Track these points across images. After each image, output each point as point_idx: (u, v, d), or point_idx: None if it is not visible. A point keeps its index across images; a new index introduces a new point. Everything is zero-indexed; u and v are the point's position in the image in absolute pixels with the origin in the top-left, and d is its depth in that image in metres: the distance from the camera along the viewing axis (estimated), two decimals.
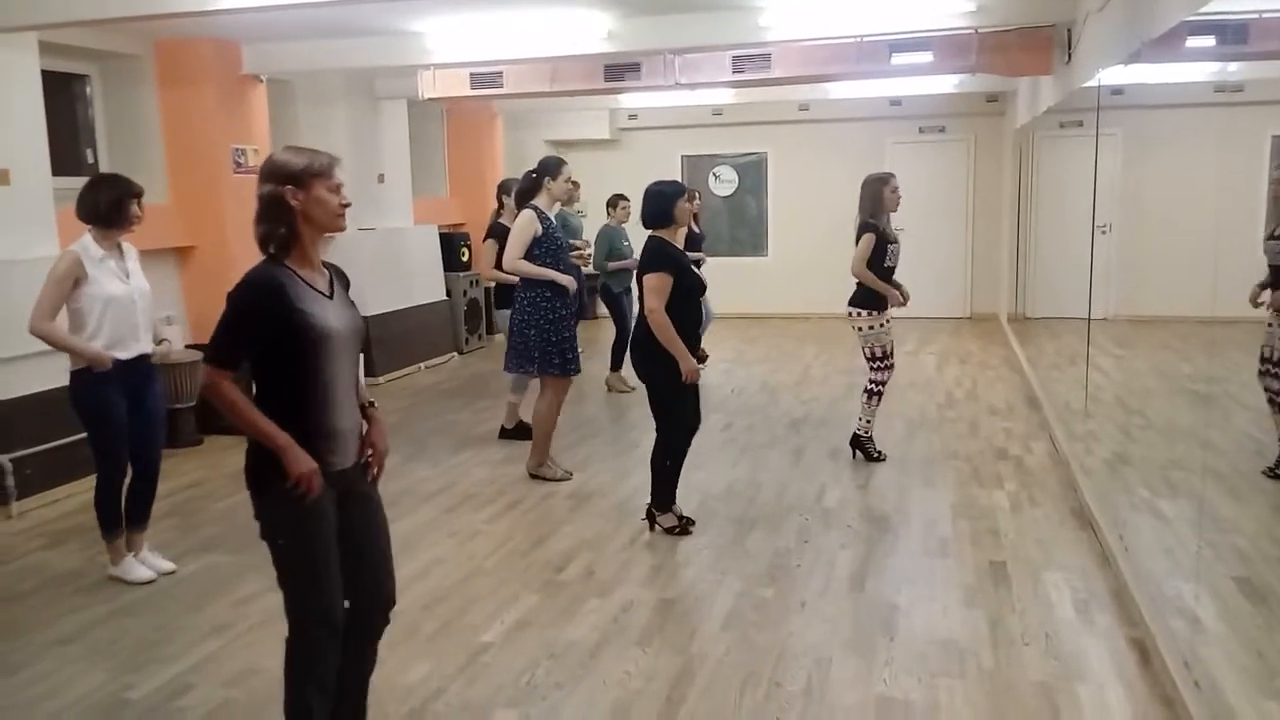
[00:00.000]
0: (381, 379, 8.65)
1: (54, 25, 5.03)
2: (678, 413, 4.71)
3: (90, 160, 6.81)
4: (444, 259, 9.90)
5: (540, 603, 4.04)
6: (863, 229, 5.74)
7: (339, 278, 2.73)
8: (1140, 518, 4.54)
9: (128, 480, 4.34)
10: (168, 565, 4.44)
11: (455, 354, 9.97)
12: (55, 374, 5.35)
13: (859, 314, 5.78)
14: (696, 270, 4.73)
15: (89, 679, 3.50)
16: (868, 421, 6.01)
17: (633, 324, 5.25)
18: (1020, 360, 8.82)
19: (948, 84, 9.37)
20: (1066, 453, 5.79)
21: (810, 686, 3.30)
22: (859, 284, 5.77)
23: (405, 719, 3.18)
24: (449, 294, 9.88)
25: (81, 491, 5.60)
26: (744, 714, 3.14)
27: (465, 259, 10.23)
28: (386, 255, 8.92)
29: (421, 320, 9.36)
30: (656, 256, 4.59)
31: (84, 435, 4.30)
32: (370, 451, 2.75)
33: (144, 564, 4.39)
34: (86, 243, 4.10)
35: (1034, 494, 5.28)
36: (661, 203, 4.65)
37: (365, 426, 2.77)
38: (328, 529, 2.62)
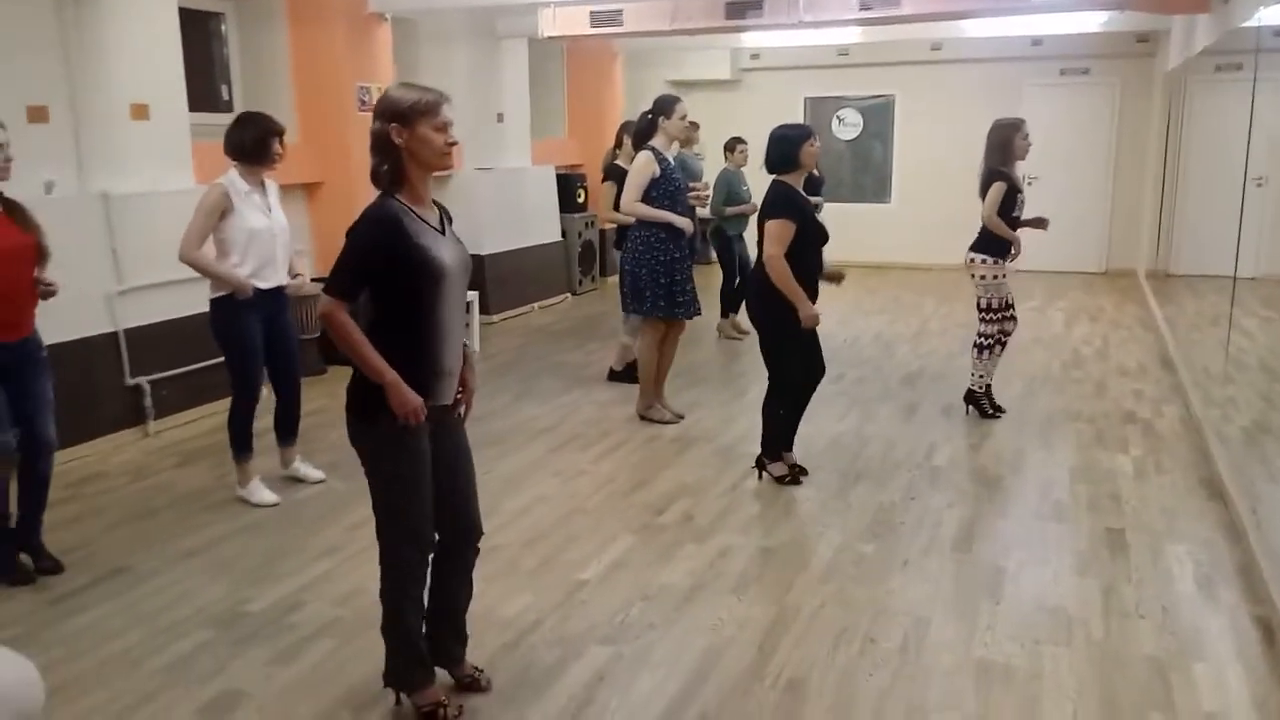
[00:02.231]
0: (495, 318, 8.80)
1: None
2: (789, 361, 4.63)
3: (225, 97, 7.06)
4: (560, 200, 9.94)
5: (638, 544, 4.07)
6: (991, 176, 5.49)
7: (446, 215, 2.76)
8: (1278, 491, 4.25)
9: (273, 405, 4.59)
10: (317, 474, 4.75)
11: (569, 295, 10.05)
12: (192, 301, 5.64)
13: (981, 260, 5.56)
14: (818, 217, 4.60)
15: (210, 591, 3.71)
16: (980, 376, 5.80)
17: (749, 269, 5.17)
18: (1157, 319, 8.33)
19: (1094, 22, 8.77)
20: (1201, 418, 5.45)
21: (906, 645, 3.23)
22: (982, 231, 5.54)
23: (502, 649, 3.26)
24: (564, 235, 9.93)
25: (213, 414, 5.92)
26: (836, 669, 3.10)
27: (581, 200, 10.25)
28: (503, 195, 9.00)
29: (536, 260, 9.45)
30: (781, 202, 4.49)
31: (217, 360, 4.53)
32: (461, 390, 2.81)
33: (296, 474, 4.72)
34: (233, 177, 4.31)
35: (1161, 460, 5.01)
36: (786, 147, 4.53)
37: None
38: (424, 459, 2.70)
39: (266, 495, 4.55)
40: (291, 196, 6.94)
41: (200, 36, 6.94)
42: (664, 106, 5.56)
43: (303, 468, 4.76)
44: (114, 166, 5.44)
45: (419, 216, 2.60)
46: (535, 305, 9.45)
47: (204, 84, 6.89)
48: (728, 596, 3.59)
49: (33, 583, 3.78)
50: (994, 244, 5.54)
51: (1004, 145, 5.51)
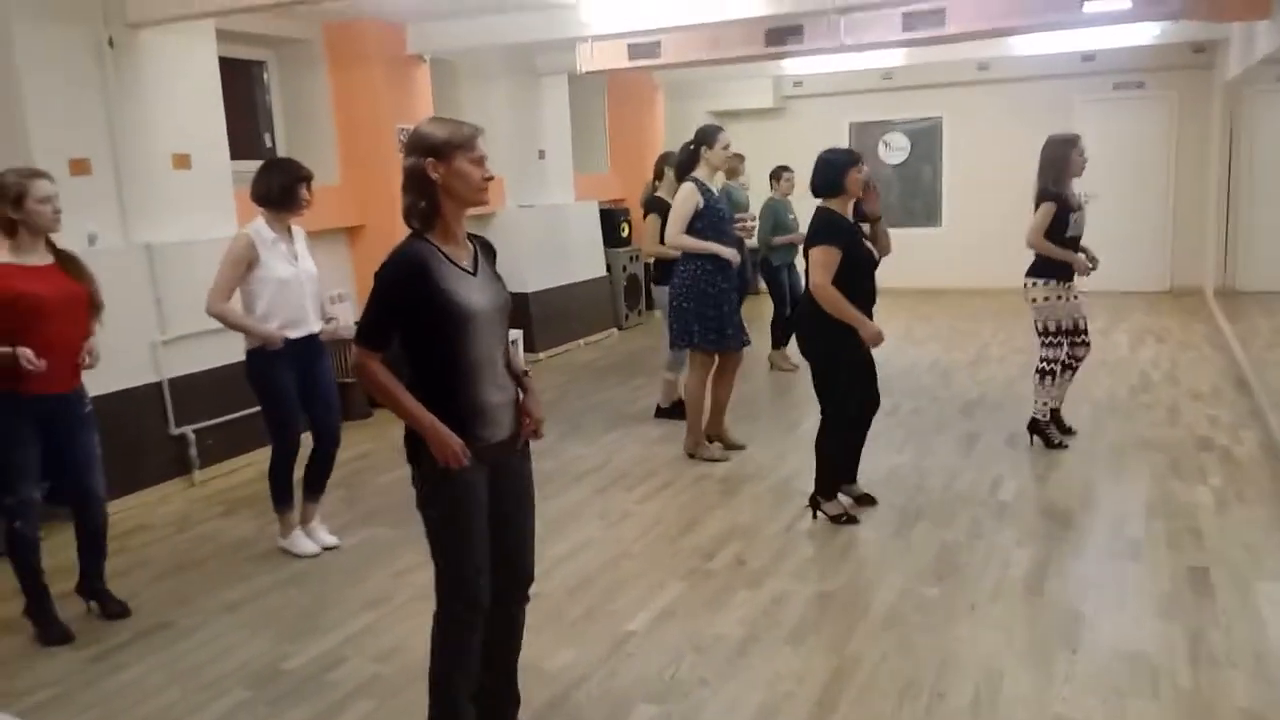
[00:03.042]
0: (541, 355, 8.72)
1: (226, 11, 5.21)
2: (843, 393, 4.45)
3: (268, 144, 7.10)
4: (604, 235, 9.87)
5: (687, 591, 3.89)
6: (1041, 197, 5.28)
7: (484, 251, 2.67)
8: None
9: (308, 452, 4.49)
10: (331, 540, 4.56)
11: (615, 330, 9.95)
12: (234, 350, 5.59)
13: (1034, 284, 5.34)
14: (868, 242, 4.43)
15: (251, 646, 3.62)
16: (1044, 404, 5.55)
17: (800, 299, 5.02)
18: (1227, 338, 7.97)
19: (1147, 34, 8.49)
20: None
21: (978, 700, 3.01)
22: (1039, 254, 5.33)
23: (547, 706, 3.11)
24: (609, 270, 9.85)
25: (257, 462, 5.87)
26: None
27: (625, 234, 10.17)
28: (546, 232, 8.95)
29: (581, 296, 9.37)
30: (824, 228, 4.34)
31: (260, 409, 4.47)
32: (526, 420, 2.71)
33: (310, 537, 4.53)
34: (259, 226, 4.23)
35: (1243, 491, 4.71)
36: (830, 172, 4.39)
37: (521, 395, 2.72)
38: (477, 504, 2.59)
39: (308, 545, 4.46)
40: (333, 240, 6.95)
41: (243, 85, 7.02)
42: (706, 137, 5.46)
43: (317, 530, 4.55)
44: (157, 216, 5.46)
45: (448, 257, 2.50)
46: (581, 341, 9.35)
47: (247, 131, 6.95)
48: (783, 647, 3.40)
49: (72, 641, 3.72)
50: (1050, 266, 5.32)
51: (1058, 163, 5.30)
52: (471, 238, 2.64)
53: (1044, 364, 5.45)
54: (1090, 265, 5.31)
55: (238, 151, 6.42)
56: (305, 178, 4.22)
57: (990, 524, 4.45)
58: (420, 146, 2.48)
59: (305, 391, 4.35)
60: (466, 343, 2.49)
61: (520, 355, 2.75)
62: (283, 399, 4.28)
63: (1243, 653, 3.21)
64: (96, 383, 5.02)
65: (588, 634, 3.57)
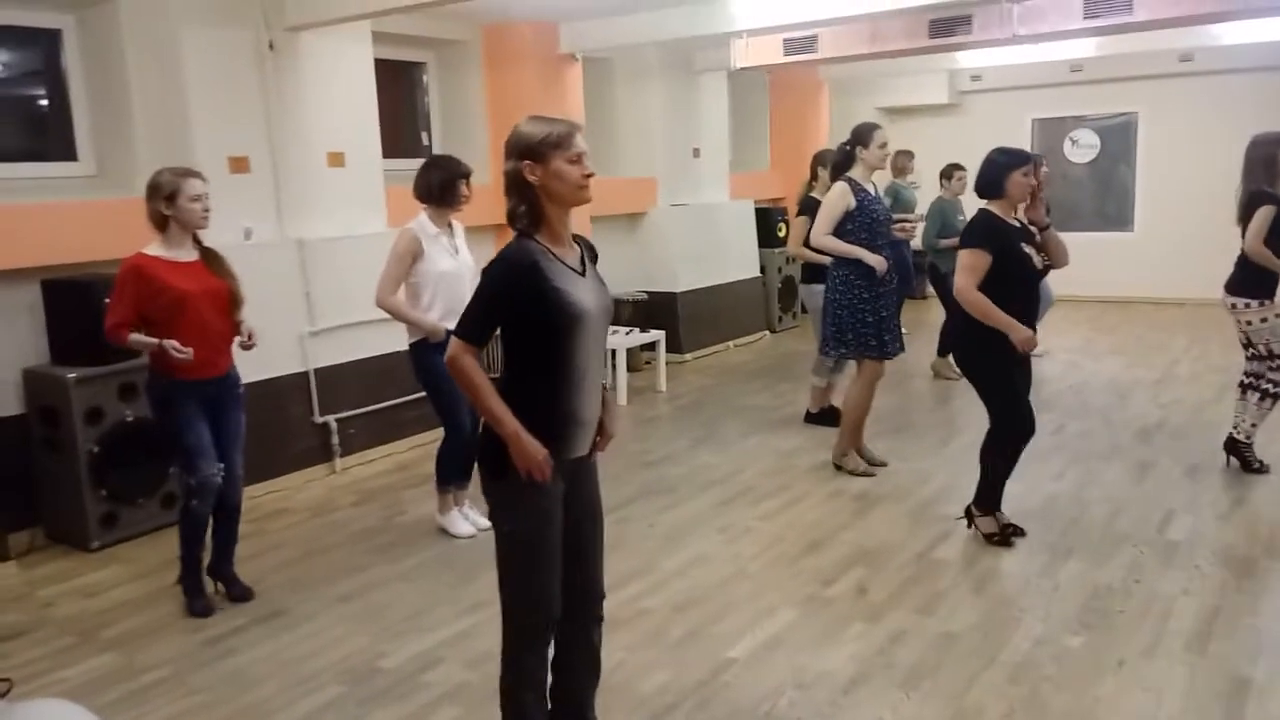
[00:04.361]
0: (688, 356, 8.56)
1: (378, 13, 5.32)
2: (1010, 399, 4.08)
3: (425, 143, 7.27)
4: (760, 234, 9.61)
5: (799, 619, 3.64)
6: (1256, 199, 4.70)
7: (589, 252, 2.57)
8: None
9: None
10: (485, 522, 4.59)
11: (767, 332, 9.67)
12: (378, 342, 5.79)
13: (1244, 304, 4.75)
14: (1035, 254, 4.03)
15: (354, 641, 3.64)
16: (1252, 424, 4.94)
17: None
18: None
19: None
20: None
21: None
22: (1241, 265, 4.75)
23: None
24: (763, 270, 9.58)
25: (396, 453, 6.03)
26: None
27: (782, 234, 9.86)
28: (699, 231, 8.78)
29: (733, 297, 9.15)
30: (977, 230, 4.04)
31: (402, 400, 4.58)
32: (600, 436, 2.61)
33: (467, 518, 4.65)
34: (423, 221, 4.38)
35: None
36: (991, 172, 4.07)
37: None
38: (551, 520, 2.48)
39: (464, 527, 4.60)
40: (484, 236, 7.02)
41: (404, 85, 7.21)
42: (861, 135, 5.16)
43: (471, 513, 4.68)
44: (310, 213, 5.66)
45: (557, 257, 2.40)
46: (731, 343, 9.14)
47: (405, 131, 7.15)
48: (894, 692, 3.10)
49: (213, 614, 3.88)
50: (1256, 281, 4.74)
51: (1268, 163, 4.73)
52: (576, 239, 2.53)
53: (1270, 385, 4.85)
54: None
55: (396, 150, 6.61)
56: (465, 174, 4.36)
57: (1154, 567, 3.96)
58: (517, 148, 2.39)
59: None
60: (574, 345, 2.40)
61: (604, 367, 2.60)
62: (448, 388, 4.33)
63: None
64: (248, 371, 5.26)
65: (687, 657, 3.39)
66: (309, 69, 5.61)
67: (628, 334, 7.43)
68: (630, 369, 7.59)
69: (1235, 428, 5.04)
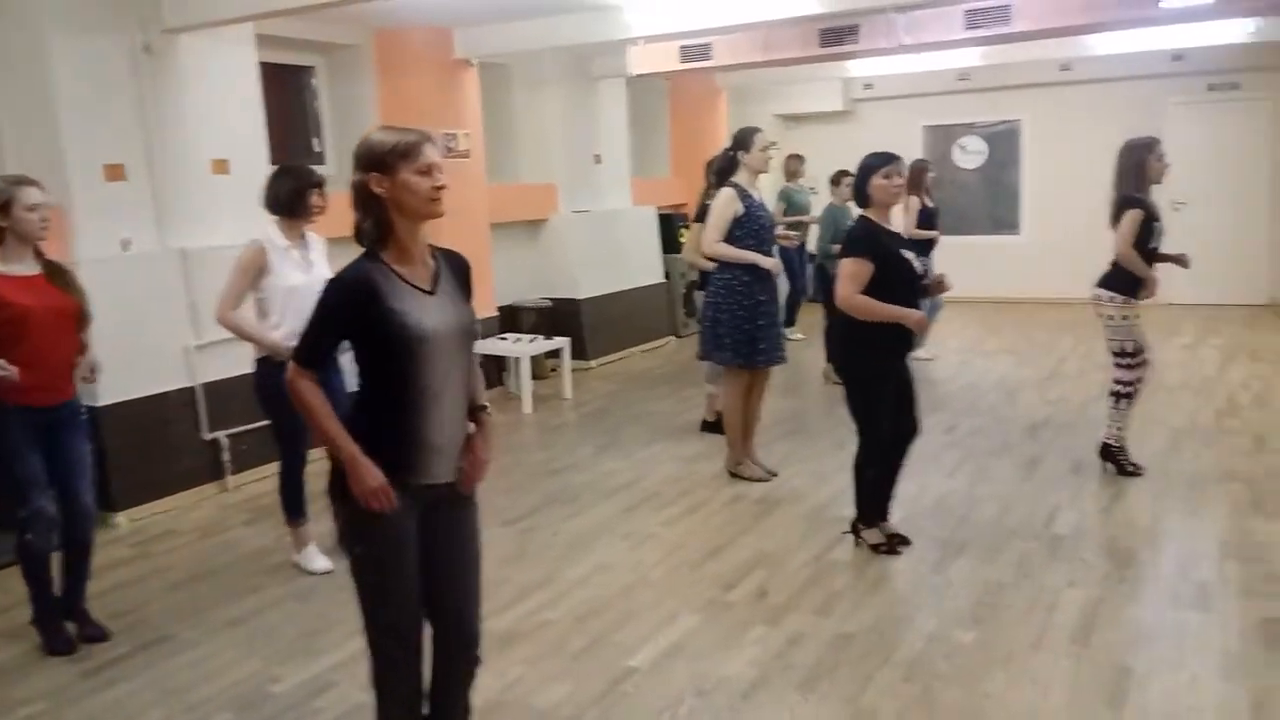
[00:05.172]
0: (594, 363, 8.54)
1: (260, 15, 5.16)
2: (878, 415, 4.14)
3: (316, 149, 7.09)
4: (663, 240, 9.65)
5: (701, 625, 3.65)
6: (1125, 204, 4.87)
7: (452, 267, 2.45)
8: None
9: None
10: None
11: (672, 338, 9.71)
12: None
13: (1109, 298, 4.93)
14: (914, 257, 4.11)
15: (244, 666, 3.51)
16: (1119, 429, 5.13)
17: None
18: None
19: (1241, 31, 7.90)
20: None
21: None
22: (1113, 264, 4.93)
23: None
24: (667, 276, 9.63)
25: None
26: None
27: (685, 240, 9.92)
28: (601, 238, 8.77)
29: (637, 303, 9.17)
30: (857, 239, 4.07)
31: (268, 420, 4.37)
32: (467, 463, 2.47)
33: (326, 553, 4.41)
34: (271, 233, 4.16)
35: None
36: (858, 178, 4.12)
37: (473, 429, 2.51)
38: (401, 543, 2.39)
39: (320, 562, 4.34)
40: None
41: (293, 90, 7.02)
42: (743, 140, 5.19)
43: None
44: (194, 222, 5.44)
45: (401, 276, 2.31)
46: (637, 349, 9.15)
47: (295, 137, 6.95)
48: (793, 694, 3.13)
49: (74, 652, 3.66)
50: (1125, 280, 4.92)
51: (1138, 168, 4.90)
52: (440, 253, 2.44)
53: (1120, 386, 5.04)
54: (1153, 292, 4.90)
55: (286, 157, 6.39)
56: (316, 183, 4.13)
57: (1040, 561, 4.09)
58: (363, 159, 2.29)
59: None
60: (417, 367, 2.30)
61: (482, 386, 2.52)
62: (291, 411, 4.15)
63: None
64: (129, 387, 5.08)
65: (587, 668, 3.36)
66: (189, 73, 5.40)
67: (531, 341, 7.37)
68: (535, 376, 7.53)
69: (1107, 434, 5.22)
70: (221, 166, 5.56)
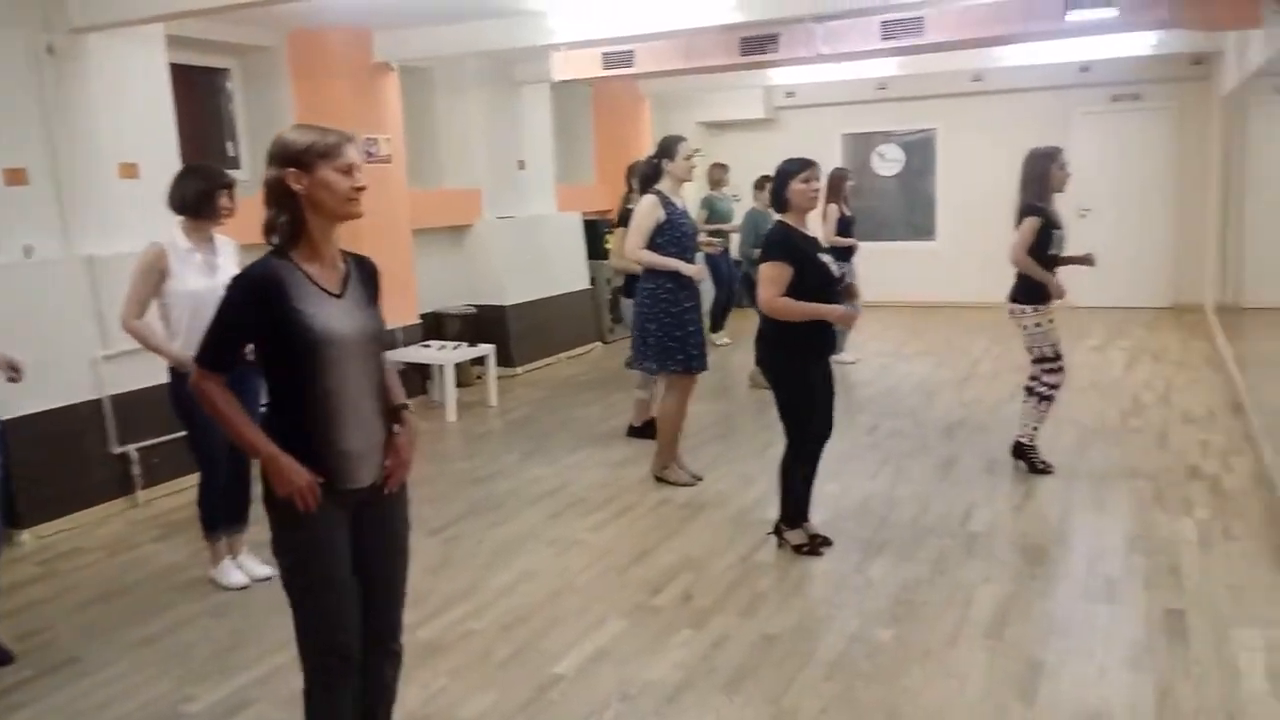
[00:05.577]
0: (519, 370, 8.49)
1: (171, 16, 5.03)
2: (806, 416, 4.21)
3: (230, 153, 6.92)
4: (589, 246, 9.65)
5: (627, 630, 3.65)
6: (1025, 212, 5.03)
7: (362, 272, 2.42)
8: None
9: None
10: (264, 570, 4.31)
11: (599, 344, 9.72)
12: None
13: (1022, 310, 5.09)
14: (831, 261, 4.19)
15: (155, 686, 3.40)
16: (1034, 427, 5.29)
17: None
18: (1226, 359, 7.69)
19: (1144, 44, 8.24)
20: (1275, 473, 4.87)
21: None
22: (1020, 274, 5.08)
23: None
24: (593, 282, 9.63)
25: None
26: None
27: (609, 246, 9.94)
28: (526, 243, 8.73)
29: (563, 309, 9.15)
30: (775, 245, 4.12)
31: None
32: (390, 461, 2.44)
33: (241, 568, 4.31)
34: (174, 235, 4.02)
35: (1230, 525, 4.44)
36: (776, 183, 4.19)
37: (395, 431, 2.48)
38: (331, 551, 2.35)
39: (236, 577, 4.23)
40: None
41: (207, 93, 6.84)
42: (667, 148, 5.23)
43: (247, 561, 4.31)
44: (101, 227, 5.27)
45: (309, 277, 2.28)
46: (563, 355, 9.13)
47: (209, 141, 6.78)
48: (717, 696, 3.16)
49: None
50: (1034, 290, 5.08)
51: (1041, 177, 5.07)
52: (351, 258, 2.41)
53: (1040, 386, 5.20)
54: (1061, 293, 5.07)
55: (198, 160, 6.22)
56: (225, 185, 4.00)
57: (957, 559, 4.20)
58: (281, 155, 2.26)
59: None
60: (321, 371, 2.26)
61: (399, 386, 2.48)
62: (205, 423, 4.02)
63: (1213, 712, 2.96)
64: (33, 399, 4.88)
65: (512, 677, 3.34)
66: (96, 74, 5.23)
67: (455, 349, 7.30)
68: (460, 384, 7.45)
69: (1021, 432, 5.39)
70: (130, 170, 5.39)
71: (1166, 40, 8.09)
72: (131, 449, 5.35)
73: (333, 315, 2.27)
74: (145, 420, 5.37)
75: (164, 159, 5.57)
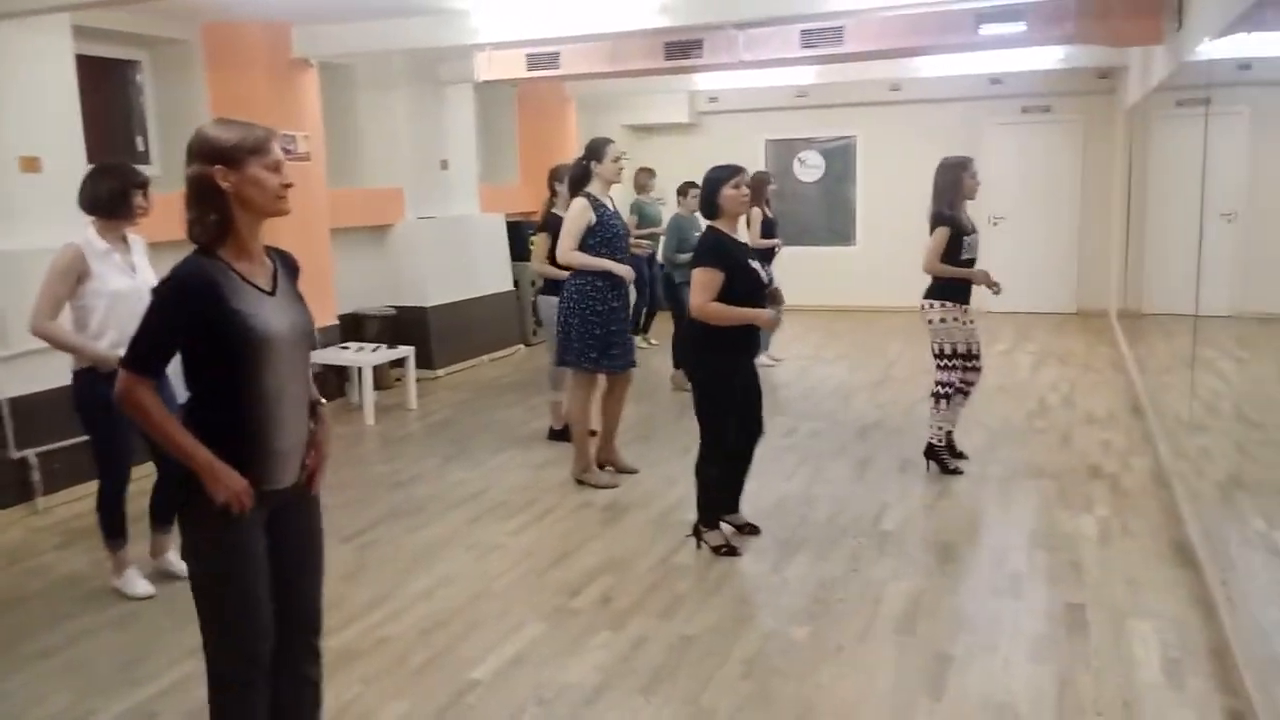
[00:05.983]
0: (440, 372, 8.41)
1: (74, 7, 4.86)
2: (724, 420, 4.27)
3: (140, 148, 6.71)
4: (512, 248, 9.60)
5: (545, 634, 3.65)
6: (936, 220, 5.18)
7: (285, 267, 2.39)
8: (1253, 556, 3.87)
9: (153, 481, 4.15)
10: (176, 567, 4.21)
11: (522, 346, 9.67)
12: None
13: (930, 305, 5.24)
14: (759, 265, 4.25)
15: (55, 700, 3.28)
16: (940, 428, 5.43)
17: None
18: (1127, 361, 8.01)
19: (1052, 59, 8.55)
20: (1170, 472, 5.09)
21: None
22: (935, 277, 5.23)
23: None
24: (516, 284, 9.58)
25: None
26: None
27: (534, 248, 9.90)
28: (449, 244, 8.64)
29: (486, 311, 9.08)
30: (707, 251, 4.19)
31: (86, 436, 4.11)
32: (311, 459, 2.43)
33: (167, 566, 4.22)
34: (89, 235, 3.90)
35: (1128, 522, 4.63)
36: (706, 189, 4.25)
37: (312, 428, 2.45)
38: (253, 559, 2.31)
39: (141, 587, 4.10)
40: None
41: (116, 86, 6.62)
42: (595, 150, 5.25)
43: (173, 561, 4.21)
44: (0, 222, 5.06)
45: (241, 275, 2.24)
46: (486, 357, 9.06)
47: (117, 135, 6.56)
48: (635, 698, 3.17)
49: None
50: (947, 289, 5.23)
51: (953, 185, 5.22)
52: (272, 253, 2.38)
53: (940, 388, 5.35)
54: (991, 280, 5.22)
55: (106, 155, 6.00)
56: (140, 184, 3.91)
57: (870, 557, 4.29)
58: (206, 152, 2.21)
59: None
60: (259, 372, 2.23)
61: (313, 386, 2.45)
62: (112, 427, 3.91)
63: (1111, 701, 3.08)
64: None
65: (427, 683, 3.31)
66: None
67: (374, 350, 7.19)
68: (379, 387, 7.35)
69: (930, 434, 5.52)
70: (32, 164, 5.20)
71: (1074, 54, 8.39)
72: (31, 454, 5.15)
73: (269, 313, 2.25)
74: (45, 424, 5.17)
75: (69, 153, 5.41)
